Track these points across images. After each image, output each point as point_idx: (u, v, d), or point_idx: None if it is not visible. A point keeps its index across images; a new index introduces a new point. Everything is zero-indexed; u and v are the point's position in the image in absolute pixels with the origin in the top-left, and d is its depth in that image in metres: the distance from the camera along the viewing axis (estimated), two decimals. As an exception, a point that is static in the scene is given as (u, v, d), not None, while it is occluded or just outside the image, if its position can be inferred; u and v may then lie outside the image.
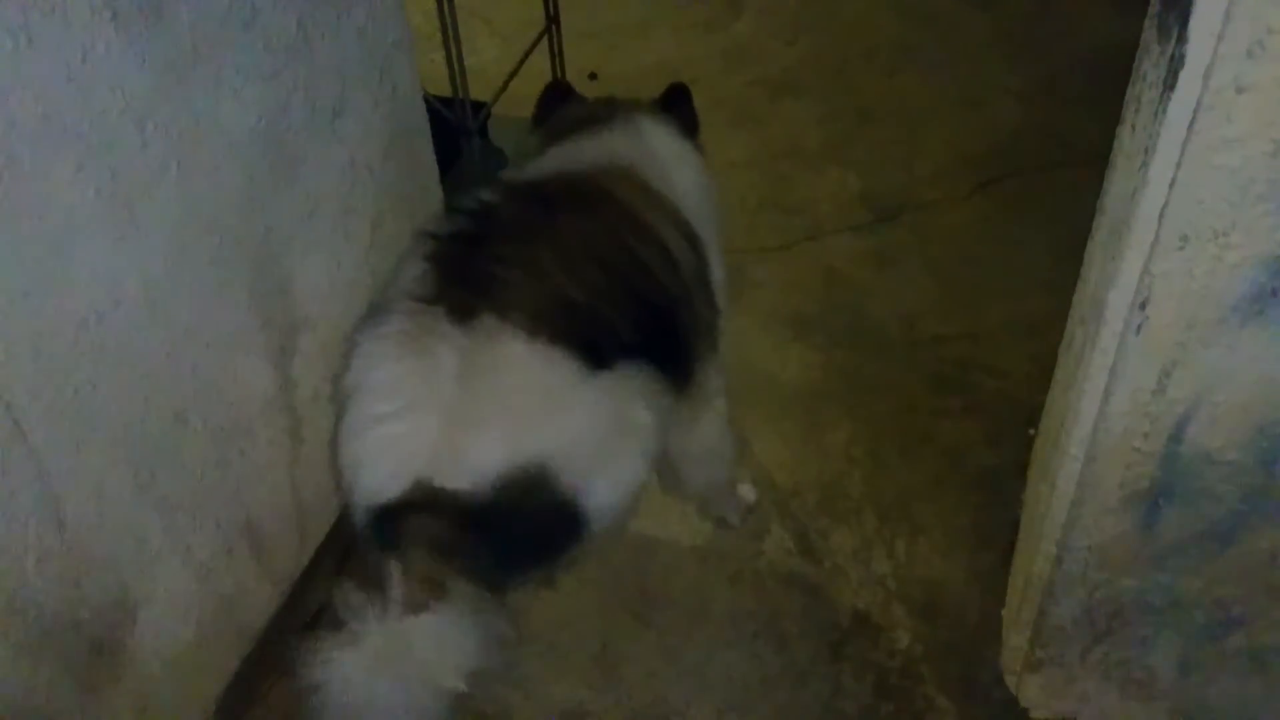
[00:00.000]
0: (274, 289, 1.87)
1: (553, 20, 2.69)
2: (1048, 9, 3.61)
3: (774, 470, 2.32)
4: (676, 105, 2.14)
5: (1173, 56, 1.19)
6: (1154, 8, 1.46)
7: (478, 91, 2.60)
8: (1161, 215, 1.26)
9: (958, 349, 2.54)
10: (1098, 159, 2.95)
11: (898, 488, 2.28)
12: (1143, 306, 1.32)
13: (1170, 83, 1.19)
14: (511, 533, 1.56)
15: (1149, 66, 1.39)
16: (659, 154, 1.97)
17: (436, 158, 2.34)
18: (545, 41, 2.80)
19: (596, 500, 1.61)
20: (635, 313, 1.69)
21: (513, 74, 2.64)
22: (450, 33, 2.24)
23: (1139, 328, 1.34)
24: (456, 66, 2.29)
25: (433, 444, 1.52)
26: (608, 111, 2.05)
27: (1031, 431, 2.24)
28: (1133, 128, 1.48)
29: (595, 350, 1.61)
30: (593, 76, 3.30)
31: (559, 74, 2.83)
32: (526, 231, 1.70)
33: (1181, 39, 1.17)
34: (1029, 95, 3.27)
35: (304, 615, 2.10)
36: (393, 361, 1.61)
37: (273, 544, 2.00)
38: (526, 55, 2.68)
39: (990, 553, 2.13)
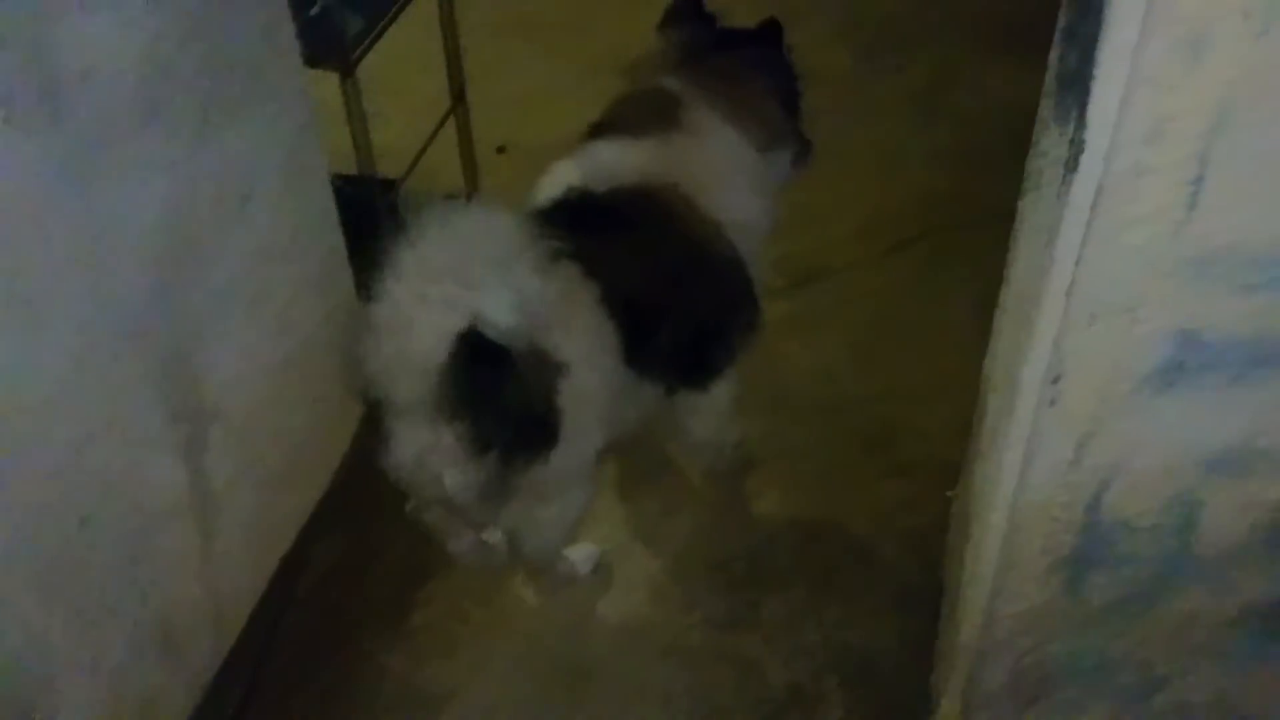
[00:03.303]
0: (183, 382, 1.82)
1: (458, 99, 2.69)
2: (952, 72, 3.70)
3: (702, 541, 2.31)
4: (768, 40, 2.23)
5: (1073, 141, 1.22)
6: (1050, 86, 1.50)
7: (386, 166, 2.57)
8: (1069, 292, 1.28)
9: (880, 411, 2.56)
10: (1004, 218, 3.02)
11: (826, 554, 2.28)
12: (1055, 381, 1.34)
13: (1072, 166, 1.22)
14: (507, 376, 1.65)
15: (1049, 144, 1.42)
16: (715, 169, 2.04)
17: (346, 238, 2.31)
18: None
19: (568, 437, 1.77)
20: (679, 331, 1.96)
21: (420, 154, 2.62)
22: (355, 114, 2.22)
23: (1053, 401, 1.36)
24: (363, 149, 2.27)
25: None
26: (674, 107, 2.07)
27: (950, 494, 2.26)
28: (1035, 203, 1.51)
29: (633, 350, 1.87)
30: (501, 150, 3.29)
31: (467, 149, 2.82)
32: (599, 239, 1.84)
33: (1081, 124, 1.19)
34: (937, 156, 3.34)
35: (222, 714, 2.03)
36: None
37: (187, 644, 1.93)
38: (433, 136, 2.67)
39: (920, 617, 2.13)
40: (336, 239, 2.25)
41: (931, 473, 2.39)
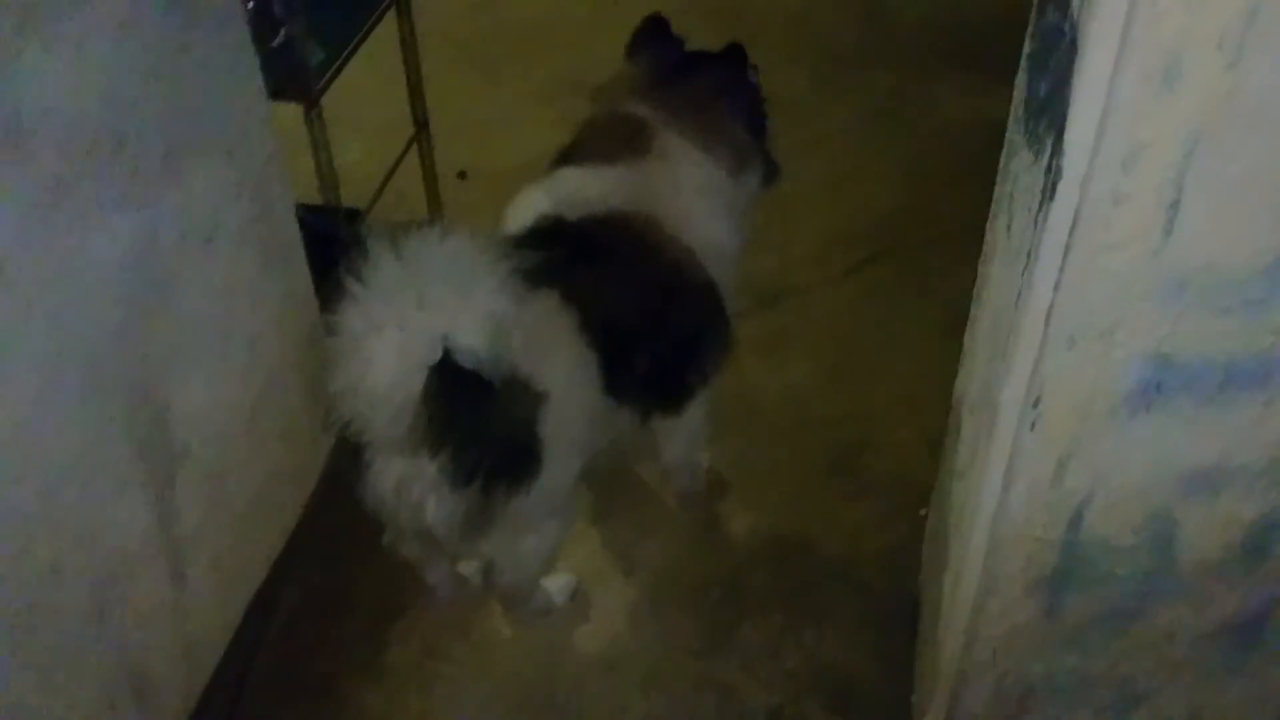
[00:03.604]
0: (151, 421, 1.78)
1: (422, 126, 2.67)
2: (902, 92, 3.74)
3: (678, 566, 2.30)
4: (733, 63, 2.21)
5: (1049, 168, 1.24)
6: (1019, 112, 1.53)
7: (349, 195, 2.55)
8: (1048, 318, 1.29)
9: (848, 431, 2.57)
10: (963, 234, 3.05)
11: (801, 575, 2.28)
12: (1035, 404, 1.35)
13: (1049, 193, 1.23)
14: (488, 406, 1.65)
15: (1020, 168, 1.45)
16: (687, 195, 2.04)
17: (312, 269, 2.29)
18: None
19: (550, 466, 1.77)
20: (656, 357, 1.96)
21: (385, 182, 2.60)
22: (320, 145, 2.20)
23: (1033, 424, 1.37)
24: (328, 180, 2.25)
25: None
26: (643, 132, 2.06)
27: (922, 512, 2.27)
28: (1008, 228, 1.52)
29: (611, 377, 1.88)
30: (462, 175, 3.28)
31: (430, 177, 2.80)
32: (575, 266, 1.85)
33: (1057, 152, 1.21)
34: (893, 174, 3.37)
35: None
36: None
37: (158, 689, 1.89)
38: (397, 164, 2.65)
39: (898, 635, 2.14)
40: (302, 272, 2.23)
41: (902, 490, 2.42)
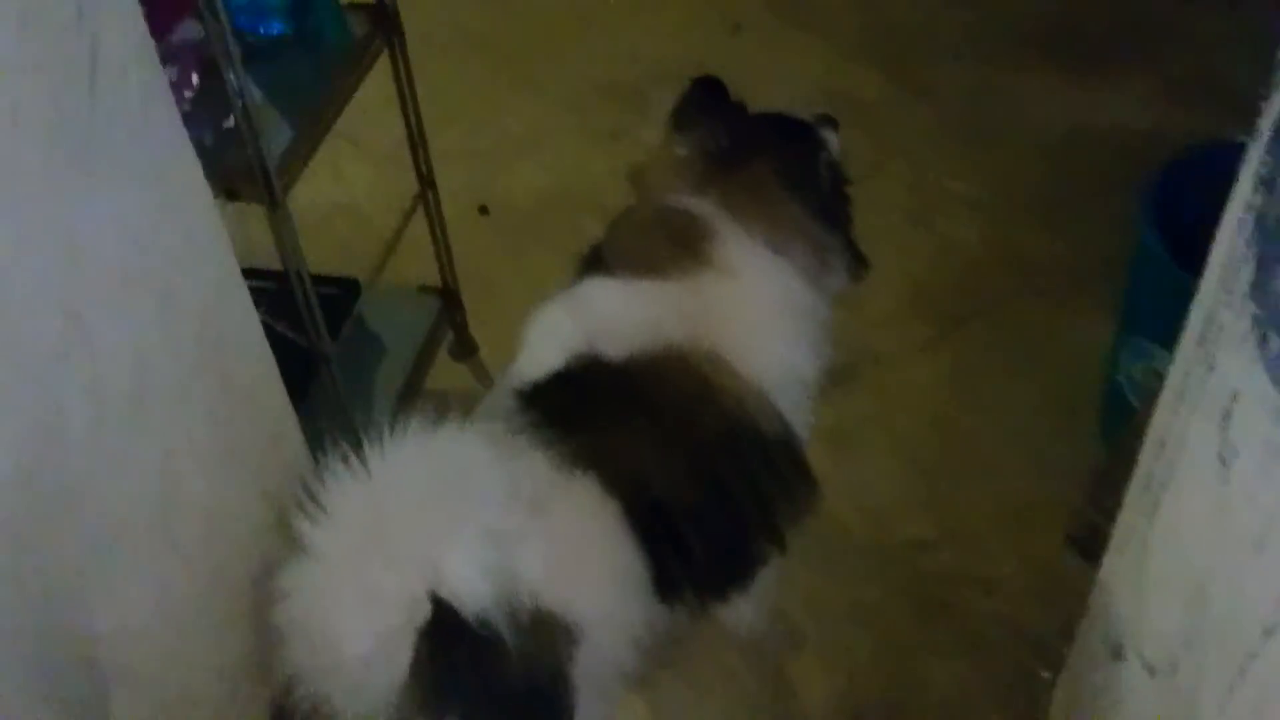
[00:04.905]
0: (65, 665, 1.39)
1: (427, 183, 2.21)
2: (989, 91, 3.23)
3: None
4: (804, 131, 1.79)
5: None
6: (1240, 283, 1.07)
7: (353, 241, 2.10)
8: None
9: (939, 558, 2.14)
10: (1066, 284, 2.54)
11: (890, 765, 1.87)
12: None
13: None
14: (500, 664, 1.25)
15: (1251, 388, 0.99)
16: (758, 318, 1.62)
17: (286, 378, 1.85)
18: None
19: (582, 707, 1.38)
20: (720, 539, 1.56)
21: (387, 254, 2.14)
22: (290, 250, 1.75)
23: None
24: (305, 295, 1.80)
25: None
26: (700, 235, 1.62)
27: (1046, 675, 1.85)
28: (1221, 460, 1.07)
29: (663, 573, 1.48)
30: (484, 210, 2.85)
31: (439, 236, 2.34)
32: (617, 432, 1.48)
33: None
34: (982, 202, 2.89)
35: None
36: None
37: None
38: (400, 231, 2.19)
39: None
40: (278, 399, 1.79)
41: (1011, 643, 1.99)
